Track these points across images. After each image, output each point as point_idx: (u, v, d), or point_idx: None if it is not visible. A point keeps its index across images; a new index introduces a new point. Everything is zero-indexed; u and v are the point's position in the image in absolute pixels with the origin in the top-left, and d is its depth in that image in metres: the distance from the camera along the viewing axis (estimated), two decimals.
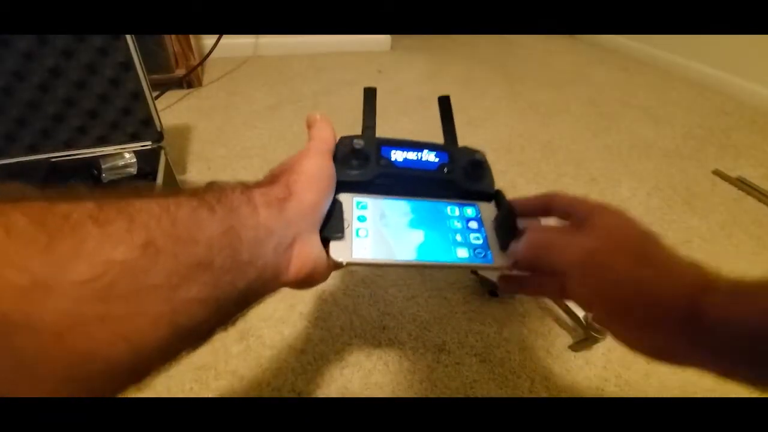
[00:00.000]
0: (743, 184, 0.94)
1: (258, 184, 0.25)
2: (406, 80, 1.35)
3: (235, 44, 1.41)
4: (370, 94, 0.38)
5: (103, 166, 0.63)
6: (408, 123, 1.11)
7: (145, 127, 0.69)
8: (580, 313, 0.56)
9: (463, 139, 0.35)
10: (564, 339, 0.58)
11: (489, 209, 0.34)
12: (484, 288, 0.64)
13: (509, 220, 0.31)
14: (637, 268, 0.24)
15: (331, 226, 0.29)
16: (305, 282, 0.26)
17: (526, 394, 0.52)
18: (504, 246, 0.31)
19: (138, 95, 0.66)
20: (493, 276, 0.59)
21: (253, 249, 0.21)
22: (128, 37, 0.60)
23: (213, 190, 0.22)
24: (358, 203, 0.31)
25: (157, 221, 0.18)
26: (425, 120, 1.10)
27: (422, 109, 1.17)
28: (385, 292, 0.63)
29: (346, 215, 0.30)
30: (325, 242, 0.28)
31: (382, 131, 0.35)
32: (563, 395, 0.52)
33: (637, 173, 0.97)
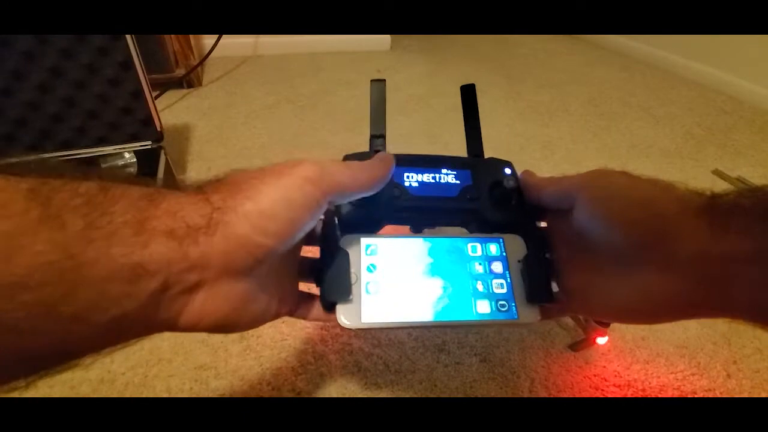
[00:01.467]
0: (743, 184, 0.93)
1: (179, 190, 0.18)
2: (406, 80, 1.35)
3: (235, 44, 1.41)
4: (378, 89, 0.31)
5: (103, 166, 0.63)
6: (408, 123, 1.11)
7: (145, 126, 0.69)
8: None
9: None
10: (564, 339, 0.58)
11: (516, 244, 0.29)
12: None
13: (540, 265, 0.27)
14: (643, 182, 0.24)
15: (337, 285, 0.24)
16: (212, 331, 0.20)
17: (526, 394, 0.52)
18: (532, 296, 0.26)
19: (138, 95, 0.66)
20: None
21: (103, 296, 0.14)
22: (128, 37, 0.60)
23: (98, 188, 0.15)
24: (368, 247, 0.27)
25: None
26: (425, 120, 1.10)
27: (422, 109, 1.16)
28: None
29: (353, 267, 0.25)
30: (330, 304, 0.24)
31: None
32: (563, 395, 0.52)
33: (637, 173, 0.97)
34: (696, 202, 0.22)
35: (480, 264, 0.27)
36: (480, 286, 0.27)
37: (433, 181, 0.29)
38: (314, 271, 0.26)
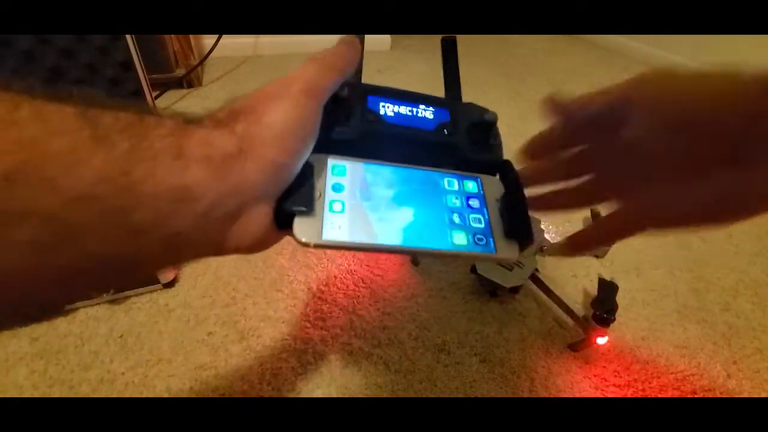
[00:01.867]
0: None
1: (204, 124, 0.19)
2: (406, 80, 1.35)
3: (235, 44, 1.41)
4: (358, 41, 0.30)
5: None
6: None
7: None
8: (580, 312, 0.56)
9: None
10: (564, 339, 0.58)
11: (494, 184, 0.28)
12: (483, 288, 0.64)
13: (518, 202, 0.26)
14: (705, 73, 0.22)
15: (297, 195, 0.22)
16: (240, 253, 0.21)
17: (526, 394, 0.52)
18: (510, 232, 0.25)
19: (138, 95, 0.66)
20: (494, 276, 0.59)
21: (158, 213, 0.16)
22: (128, 37, 0.60)
23: (136, 116, 0.16)
24: (335, 167, 0.25)
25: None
26: None
27: None
28: (385, 292, 0.63)
29: (317, 182, 0.24)
30: (287, 216, 0.22)
31: None
32: (563, 395, 0.52)
33: None
34: (761, 81, 0.20)
35: (456, 198, 0.27)
36: (456, 219, 0.25)
37: (410, 113, 0.28)
38: None
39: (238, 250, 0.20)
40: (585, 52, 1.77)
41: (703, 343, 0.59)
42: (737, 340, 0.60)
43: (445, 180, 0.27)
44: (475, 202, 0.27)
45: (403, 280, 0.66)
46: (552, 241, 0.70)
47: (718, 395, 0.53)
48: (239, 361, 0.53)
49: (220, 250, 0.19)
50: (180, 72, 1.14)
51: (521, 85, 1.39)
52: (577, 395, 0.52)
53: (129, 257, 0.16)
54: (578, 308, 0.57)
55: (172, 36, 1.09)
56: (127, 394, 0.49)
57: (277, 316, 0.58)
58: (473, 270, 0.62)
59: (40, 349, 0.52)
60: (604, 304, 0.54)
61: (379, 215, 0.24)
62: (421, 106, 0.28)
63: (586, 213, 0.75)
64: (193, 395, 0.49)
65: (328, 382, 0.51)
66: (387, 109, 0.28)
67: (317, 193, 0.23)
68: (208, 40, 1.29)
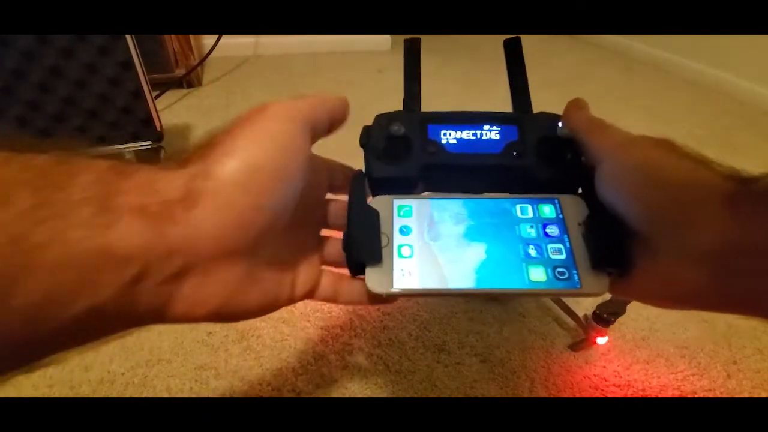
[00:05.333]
0: None
1: (162, 164, 0.15)
2: None
3: (235, 44, 1.41)
4: (412, 48, 0.29)
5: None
6: None
7: (145, 126, 0.69)
8: (580, 313, 0.56)
9: None
10: (564, 339, 0.58)
11: (576, 205, 0.24)
12: None
13: (607, 223, 0.22)
14: (671, 160, 0.22)
15: (366, 245, 0.22)
16: (209, 320, 0.17)
17: (526, 394, 0.52)
18: (598, 262, 0.22)
19: (138, 95, 0.66)
20: None
21: (61, 287, 0.12)
22: (128, 36, 0.60)
23: (54, 161, 0.13)
24: (400, 208, 0.24)
25: None
26: None
27: (423, 109, 1.16)
28: None
29: (384, 227, 0.23)
30: (357, 266, 0.22)
31: None
32: (563, 395, 0.52)
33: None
34: (723, 189, 0.19)
35: (532, 227, 0.24)
36: (532, 251, 0.23)
37: (474, 137, 0.26)
38: (343, 238, 0.23)
39: (187, 319, 0.16)
40: (585, 52, 1.77)
41: (704, 344, 0.59)
42: (737, 340, 0.60)
43: (518, 207, 0.25)
44: (553, 230, 0.24)
45: None
46: None
47: (718, 395, 0.53)
48: (239, 361, 0.53)
49: (159, 319, 0.16)
50: (180, 72, 1.14)
51: None
52: (577, 395, 0.52)
53: (12, 347, 0.12)
54: (578, 308, 0.57)
55: (172, 36, 1.09)
56: (127, 394, 0.49)
57: (277, 316, 0.58)
58: None
59: None
60: (609, 307, 0.54)
61: (449, 256, 0.22)
62: (486, 127, 0.26)
63: None
64: (193, 395, 0.49)
65: (328, 382, 0.51)
66: (449, 137, 0.26)
67: (384, 240, 0.23)
68: (208, 40, 1.29)
